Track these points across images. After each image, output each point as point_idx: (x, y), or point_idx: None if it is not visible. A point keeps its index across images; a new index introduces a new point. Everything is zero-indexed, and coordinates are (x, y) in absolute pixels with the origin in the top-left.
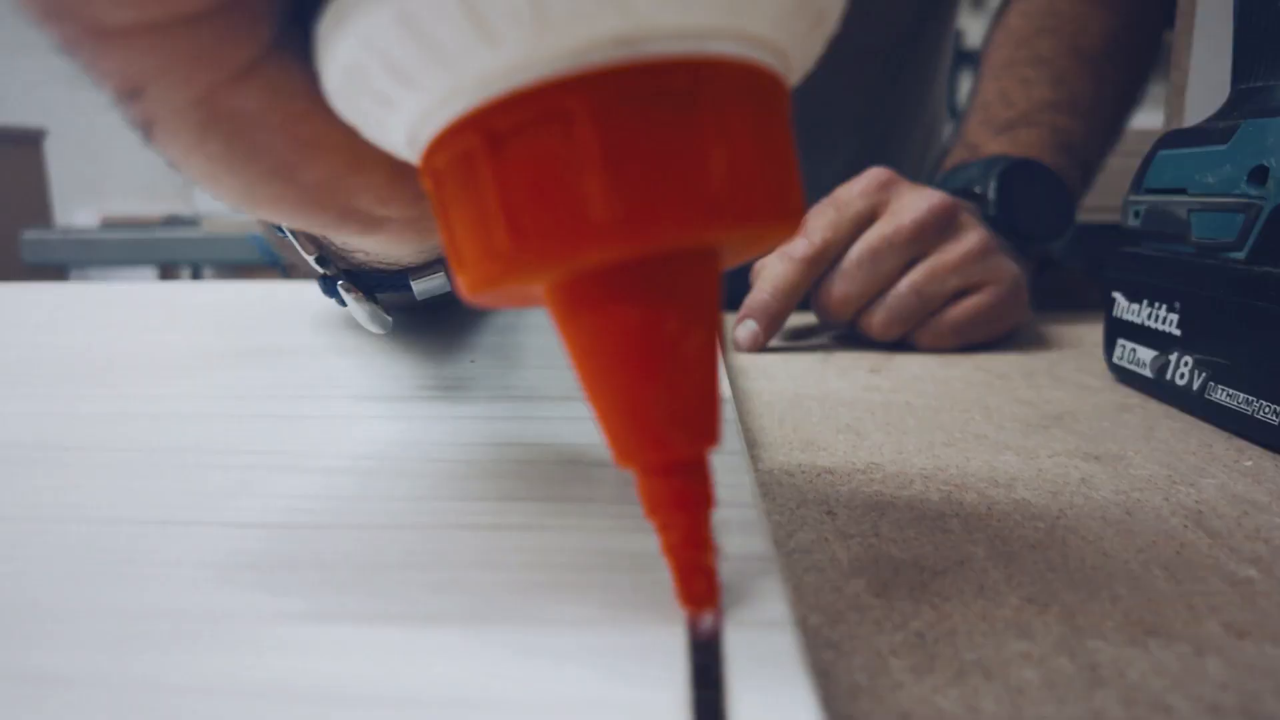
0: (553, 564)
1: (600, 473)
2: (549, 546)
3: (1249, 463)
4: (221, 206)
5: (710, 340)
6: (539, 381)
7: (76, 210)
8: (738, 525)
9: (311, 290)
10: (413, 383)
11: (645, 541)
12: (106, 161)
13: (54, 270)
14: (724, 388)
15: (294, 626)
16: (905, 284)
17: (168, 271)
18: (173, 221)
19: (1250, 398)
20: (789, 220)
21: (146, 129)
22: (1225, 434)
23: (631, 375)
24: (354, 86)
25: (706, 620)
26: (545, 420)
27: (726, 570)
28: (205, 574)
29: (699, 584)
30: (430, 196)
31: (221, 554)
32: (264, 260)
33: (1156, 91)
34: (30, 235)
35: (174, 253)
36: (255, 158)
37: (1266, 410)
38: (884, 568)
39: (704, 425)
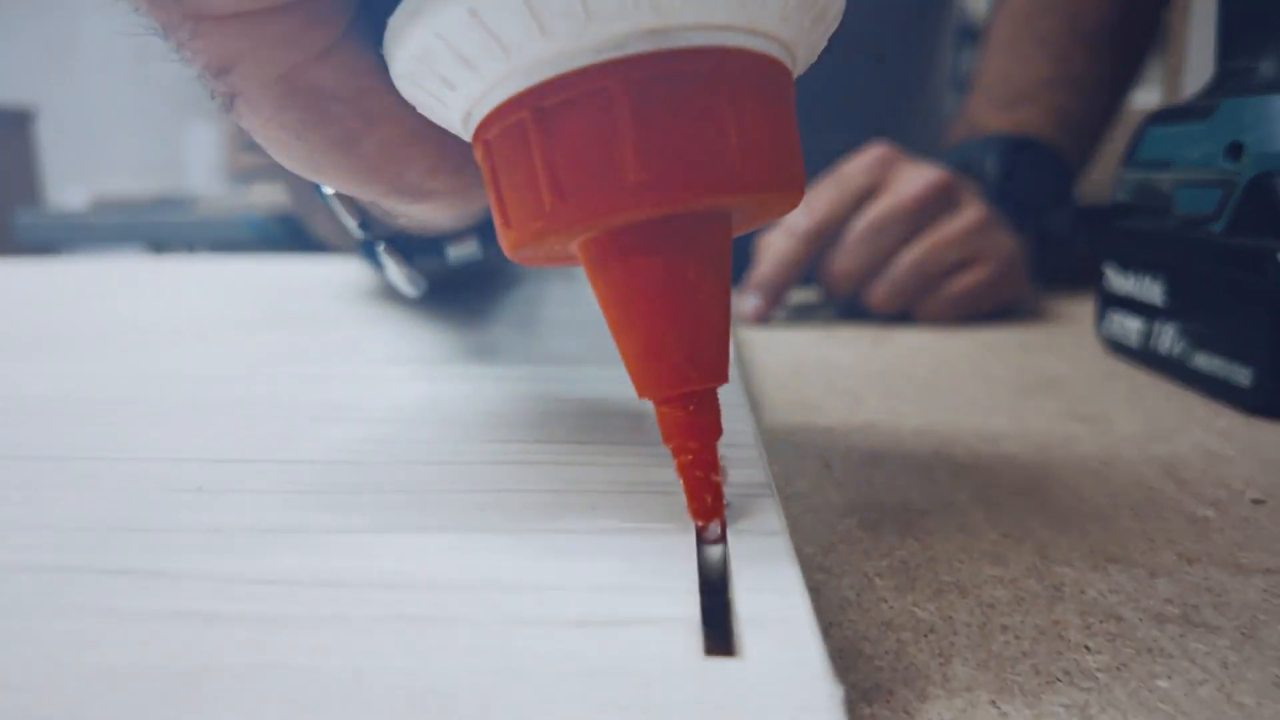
0: (578, 490)
1: (617, 421)
2: (574, 477)
3: (1223, 423)
4: (216, 188)
5: (722, 290)
6: (559, 348)
7: (66, 189)
8: (740, 461)
9: (324, 266)
10: (440, 349)
11: (658, 473)
12: (95, 140)
13: (47, 250)
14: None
15: (358, 535)
16: (905, 259)
17: (159, 251)
18: (164, 202)
19: (1226, 362)
20: (792, 191)
21: (230, 100)
22: (1205, 399)
23: (654, 319)
24: (422, 70)
25: (713, 529)
26: (566, 381)
27: (730, 494)
28: (271, 499)
29: (707, 498)
30: (481, 165)
31: (283, 484)
32: (258, 242)
33: (1157, 71)
34: (25, 218)
35: (168, 234)
36: (324, 127)
37: (1240, 374)
38: (874, 509)
39: (715, 363)
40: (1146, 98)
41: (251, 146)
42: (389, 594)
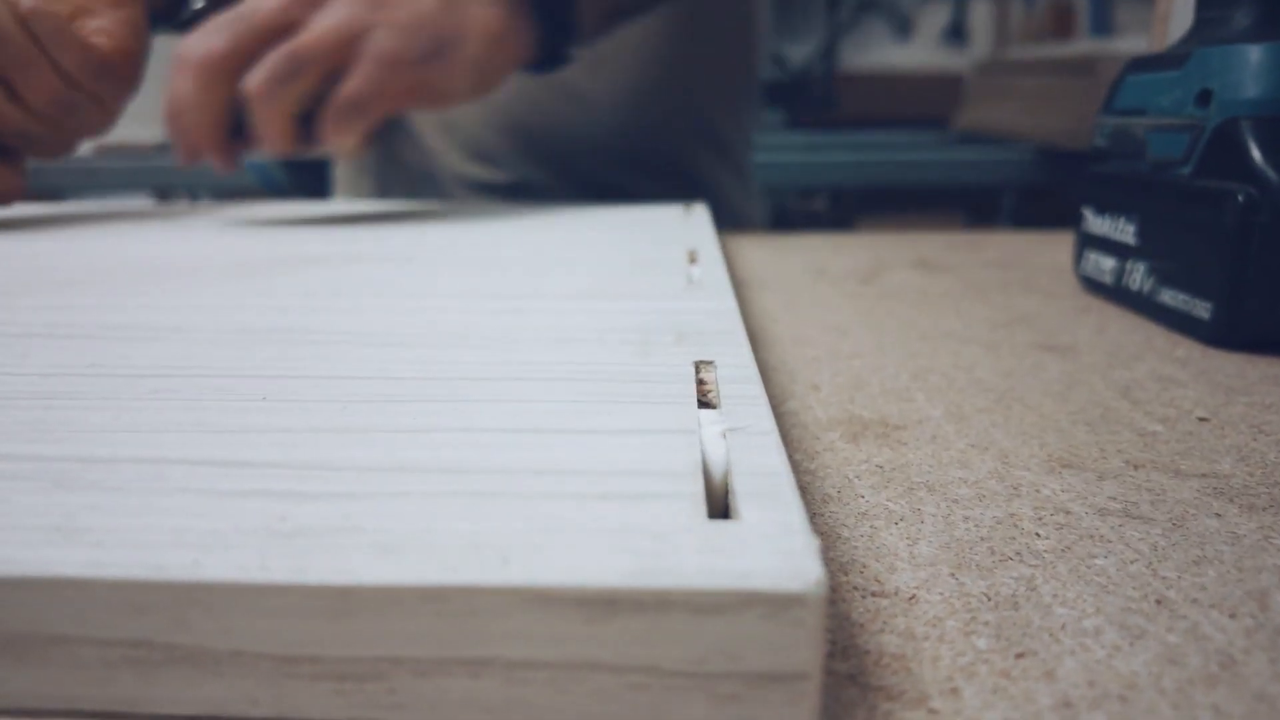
0: (601, 400)
1: (620, 353)
2: (596, 389)
3: (1181, 352)
4: None
5: None
6: (572, 285)
7: None
8: (739, 381)
9: (335, 208)
10: (457, 286)
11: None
12: None
13: (54, 196)
14: (723, 276)
15: (412, 435)
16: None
17: (164, 198)
18: (166, 148)
19: (1189, 297)
20: None
21: None
22: (1168, 331)
23: None
24: None
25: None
26: (577, 313)
27: (728, 404)
28: (329, 406)
29: None
30: None
31: (337, 395)
32: (263, 187)
33: (1144, 18)
34: (32, 163)
35: (175, 179)
36: None
37: (1200, 308)
38: (855, 424)
39: None
40: (1134, 45)
41: None
42: (447, 476)
